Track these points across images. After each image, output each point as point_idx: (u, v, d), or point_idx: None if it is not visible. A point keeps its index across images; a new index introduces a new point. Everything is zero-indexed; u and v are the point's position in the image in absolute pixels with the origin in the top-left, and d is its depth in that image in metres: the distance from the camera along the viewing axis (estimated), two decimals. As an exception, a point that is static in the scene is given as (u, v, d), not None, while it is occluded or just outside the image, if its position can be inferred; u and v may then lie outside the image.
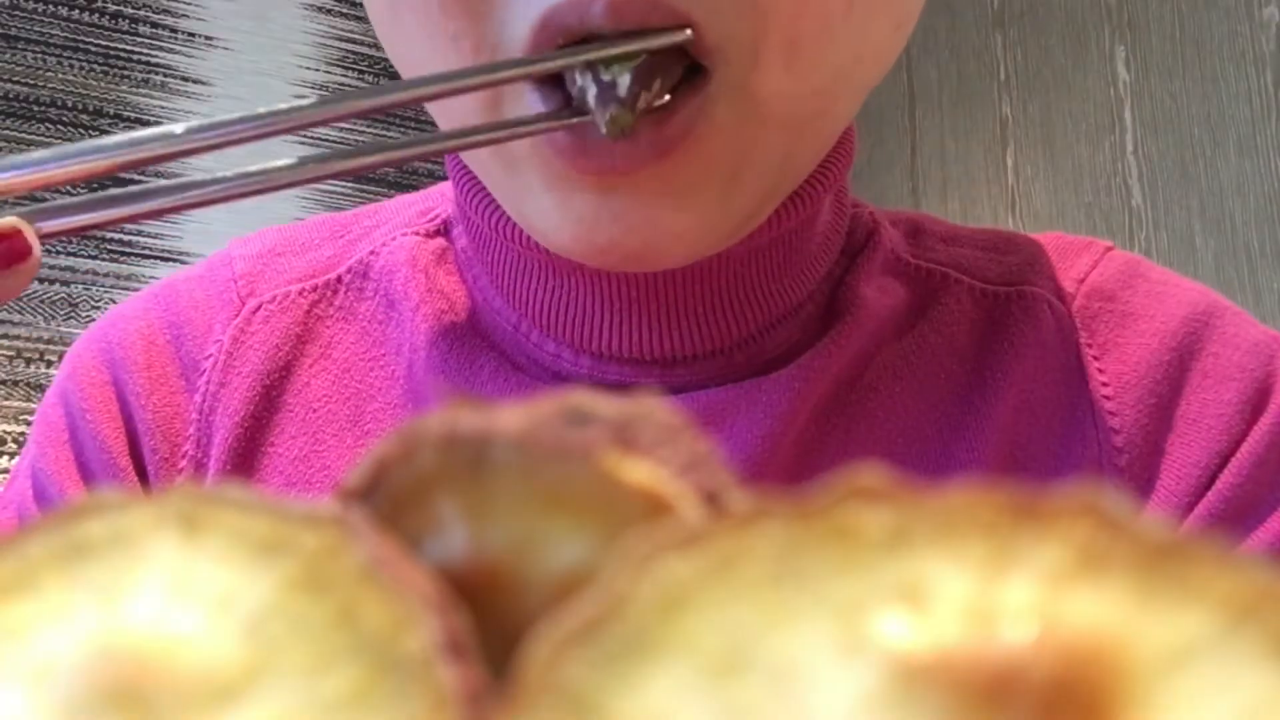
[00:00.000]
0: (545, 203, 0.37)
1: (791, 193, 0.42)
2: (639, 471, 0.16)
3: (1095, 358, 0.44)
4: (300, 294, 0.47)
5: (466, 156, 0.39)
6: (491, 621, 0.16)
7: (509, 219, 0.42)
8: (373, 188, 2.03)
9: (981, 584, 0.13)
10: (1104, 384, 0.44)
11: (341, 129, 2.03)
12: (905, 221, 0.49)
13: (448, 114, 0.38)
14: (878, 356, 0.44)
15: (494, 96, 0.36)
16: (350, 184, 2.02)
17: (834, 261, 0.45)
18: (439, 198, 0.50)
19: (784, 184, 0.39)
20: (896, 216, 0.49)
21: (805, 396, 0.42)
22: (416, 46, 0.38)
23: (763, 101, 0.36)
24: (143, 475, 0.45)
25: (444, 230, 0.48)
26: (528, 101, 0.36)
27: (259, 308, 0.47)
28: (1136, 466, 0.43)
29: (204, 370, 0.46)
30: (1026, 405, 0.44)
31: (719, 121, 0.35)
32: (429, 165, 2.08)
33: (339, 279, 0.48)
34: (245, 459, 0.45)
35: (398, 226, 0.49)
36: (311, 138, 2.01)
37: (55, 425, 0.46)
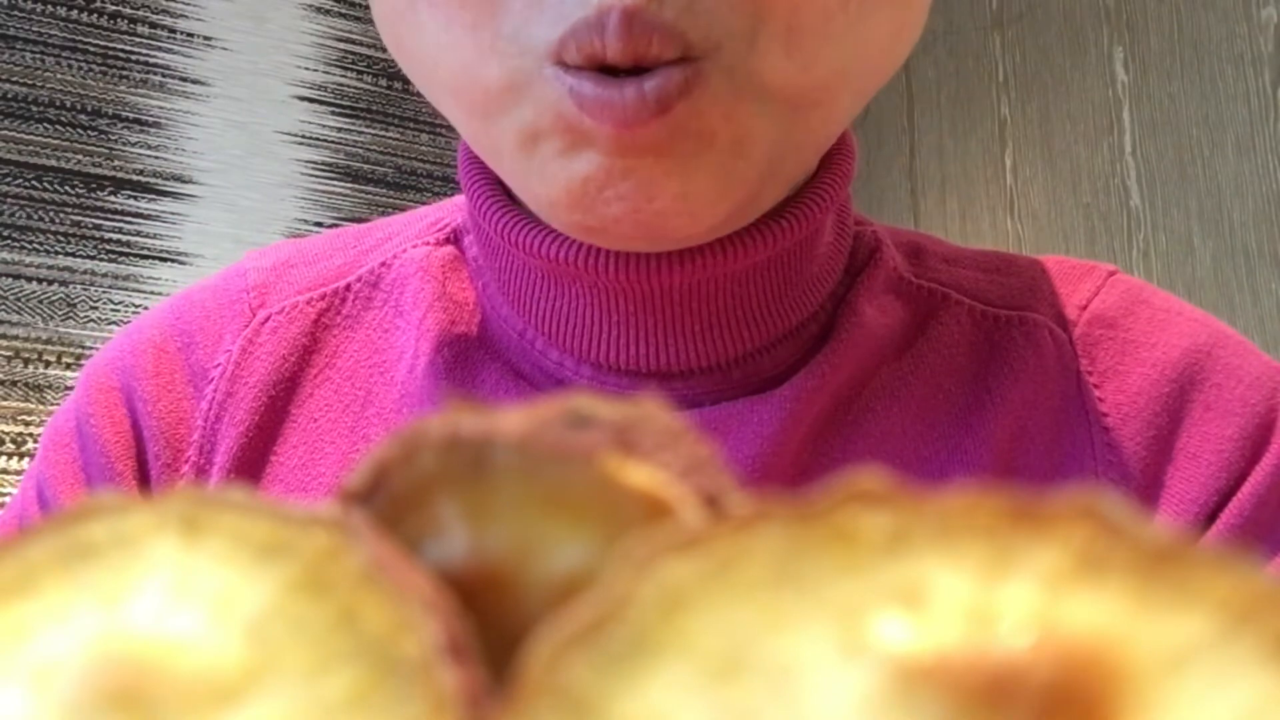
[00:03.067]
0: (555, 169, 0.37)
1: (791, 207, 0.42)
2: (640, 474, 0.16)
3: (1096, 385, 0.44)
4: (309, 303, 0.48)
5: (482, 143, 0.40)
6: (492, 623, 0.16)
7: (517, 226, 0.42)
8: (372, 188, 2.03)
9: (980, 587, 0.13)
10: (1104, 414, 0.44)
11: (340, 129, 2.03)
12: (907, 242, 0.49)
13: (470, 100, 0.38)
14: (874, 377, 0.44)
15: (515, 80, 0.36)
16: (349, 184, 2.02)
17: (837, 282, 0.46)
18: (450, 209, 0.50)
19: (784, 169, 0.39)
20: (898, 236, 0.49)
21: (798, 418, 0.42)
22: (430, 36, 0.38)
23: (760, 80, 0.36)
24: (145, 481, 0.46)
25: (454, 239, 0.48)
26: (550, 83, 0.36)
27: (268, 319, 0.47)
28: (1135, 498, 0.43)
29: (212, 379, 0.46)
30: (1024, 430, 0.44)
31: (714, 91, 0.35)
32: (428, 166, 2.08)
33: (348, 287, 0.48)
34: (249, 468, 0.45)
35: (409, 238, 0.49)
36: (309, 138, 2.01)
37: (62, 431, 0.47)
